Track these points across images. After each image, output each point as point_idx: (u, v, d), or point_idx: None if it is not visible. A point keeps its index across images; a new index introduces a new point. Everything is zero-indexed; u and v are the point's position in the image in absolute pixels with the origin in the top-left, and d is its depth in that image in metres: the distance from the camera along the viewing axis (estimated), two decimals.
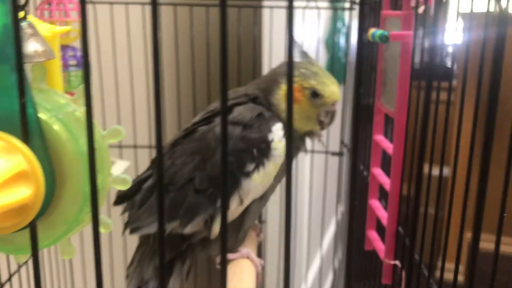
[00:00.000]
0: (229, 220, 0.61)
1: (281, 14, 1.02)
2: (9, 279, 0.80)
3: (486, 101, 0.41)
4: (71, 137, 0.27)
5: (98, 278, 0.25)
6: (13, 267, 0.81)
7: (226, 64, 0.23)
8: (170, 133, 1.09)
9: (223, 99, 0.25)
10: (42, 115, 0.27)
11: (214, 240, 0.61)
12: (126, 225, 0.63)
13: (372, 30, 0.62)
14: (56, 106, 0.28)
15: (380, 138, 0.66)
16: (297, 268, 1.21)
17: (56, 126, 0.27)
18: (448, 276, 0.49)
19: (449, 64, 1.04)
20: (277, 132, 0.59)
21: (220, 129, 0.57)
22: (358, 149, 0.98)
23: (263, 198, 0.63)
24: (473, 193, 0.43)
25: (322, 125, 0.63)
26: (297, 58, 0.64)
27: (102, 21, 0.93)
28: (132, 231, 0.62)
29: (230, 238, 0.62)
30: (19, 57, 0.24)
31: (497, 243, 0.40)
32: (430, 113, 0.50)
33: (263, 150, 0.58)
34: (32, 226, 0.26)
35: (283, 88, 0.61)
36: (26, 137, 0.25)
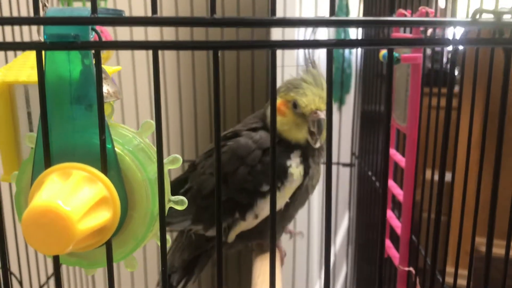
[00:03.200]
0: (245, 229, 0.68)
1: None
2: None
3: (484, 107, 0.44)
4: (140, 166, 0.32)
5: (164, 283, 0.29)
6: (42, 279, 0.85)
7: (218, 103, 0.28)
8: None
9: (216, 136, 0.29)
10: (116, 148, 0.31)
11: (232, 243, 0.69)
12: None
13: (383, 52, 0.66)
14: (126, 140, 0.33)
15: (392, 152, 0.70)
16: (309, 271, 1.25)
17: (128, 158, 0.32)
18: (460, 282, 0.52)
19: (452, 70, 1.08)
20: (294, 159, 0.65)
21: (242, 143, 0.64)
22: (368, 158, 1.03)
23: (285, 217, 0.69)
24: (478, 198, 0.46)
25: (312, 135, 0.66)
26: (305, 66, 0.68)
27: None
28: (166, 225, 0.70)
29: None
30: (101, 99, 0.28)
31: (507, 249, 0.43)
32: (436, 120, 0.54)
33: (280, 175, 0.64)
34: (108, 244, 0.30)
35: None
36: (105, 169, 0.29)
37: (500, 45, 0.28)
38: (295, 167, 0.65)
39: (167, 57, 1.10)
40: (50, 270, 0.88)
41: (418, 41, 0.30)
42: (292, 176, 0.65)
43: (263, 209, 0.66)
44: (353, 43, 0.27)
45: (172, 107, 1.15)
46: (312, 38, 0.69)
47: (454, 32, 0.32)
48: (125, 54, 0.98)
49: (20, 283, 0.80)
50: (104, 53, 0.71)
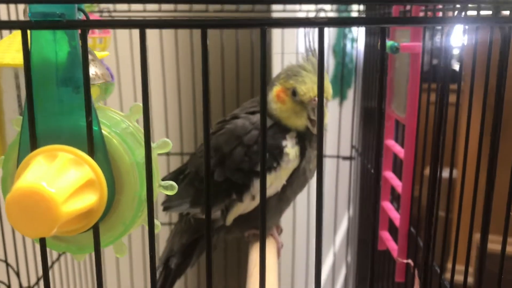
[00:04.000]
0: (243, 212, 0.68)
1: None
2: (37, 283, 0.84)
3: (486, 102, 0.44)
4: (128, 149, 0.31)
5: (152, 274, 0.28)
6: (36, 275, 0.85)
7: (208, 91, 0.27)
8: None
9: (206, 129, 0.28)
10: (104, 131, 0.31)
11: (231, 227, 0.69)
12: (162, 203, 0.74)
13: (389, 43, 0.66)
14: (113, 123, 0.32)
15: (391, 143, 0.70)
16: (310, 266, 1.24)
17: (115, 140, 0.31)
18: (458, 277, 0.52)
19: (456, 66, 1.07)
20: (290, 140, 0.65)
21: (239, 124, 0.65)
22: (369, 153, 1.02)
23: (283, 200, 0.68)
24: (482, 194, 0.46)
25: (312, 122, 0.66)
26: (305, 53, 0.67)
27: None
28: (164, 209, 0.72)
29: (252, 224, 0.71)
30: (87, 80, 0.28)
31: (504, 244, 0.42)
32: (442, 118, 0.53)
33: (276, 155, 0.64)
34: (95, 228, 0.30)
35: (274, 90, 0.66)
36: (91, 151, 0.29)
37: (498, 24, 0.27)
38: (290, 147, 0.65)
39: (166, 47, 1.09)
40: (49, 262, 0.87)
41: (415, 19, 0.30)
42: (288, 156, 0.65)
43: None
44: (346, 22, 0.26)
45: (171, 100, 1.15)
46: (307, 47, 0.68)
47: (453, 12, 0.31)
48: (123, 40, 0.97)
49: (17, 274, 0.80)
50: (101, 43, 0.70)
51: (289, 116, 0.66)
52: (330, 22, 0.27)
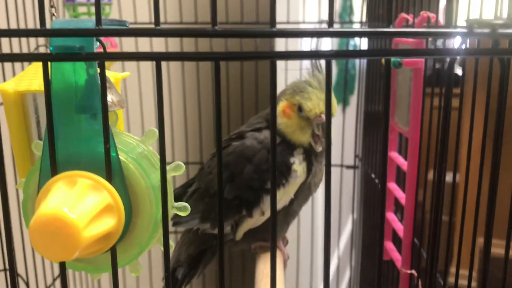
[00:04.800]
0: (252, 227, 0.70)
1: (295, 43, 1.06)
2: None
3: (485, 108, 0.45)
4: (144, 174, 0.33)
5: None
6: (48, 281, 0.86)
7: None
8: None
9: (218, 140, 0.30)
10: (121, 156, 0.32)
11: (239, 240, 0.71)
12: (172, 219, 0.74)
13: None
14: (130, 148, 0.33)
15: (394, 155, 0.71)
16: (314, 276, 1.25)
17: (132, 165, 0.32)
18: (462, 282, 0.53)
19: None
20: (297, 156, 0.67)
21: (248, 144, 0.66)
22: (372, 161, 1.03)
23: (290, 213, 0.69)
24: (485, 198, 0.47)
25: (316, 138, 0.67)
26: (310, 69, 0.69)
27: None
28: (174, 224, 0.74)
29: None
30: (105, 108, 0.29)
31: (507, 248, 0.43)
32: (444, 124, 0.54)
33: (284, 172, 0.66)
34: (112, 250, 0.31)
35: (280, 105, 0.68)
36: (109, 177, 0.30)
37: (497, 55, 0.28)
38: (298, 164, 0.67)
39: (172, 67, 1.10)
40: (56, 271, 0.89)
41: (418, 51, 0.31)
42: (296, 172, 0.66)
43: (270, 206, 0.67)
44: (353, 54, 0.28)
45: (177, 111, 1.16)
46: (316, 44, 0.70)
47: (453, 42, 0.32)
48: (130, 63, 0.99)
49: (27, 284, 0.81)
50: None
51: (294, 131, 0.67)
52: (337, 54, 0.28)
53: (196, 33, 0.29)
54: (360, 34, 0.29)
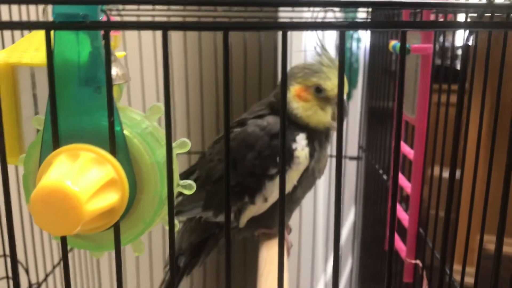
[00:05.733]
0: (255, 214, 0.69)
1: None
2: (45, 280, 0.85)
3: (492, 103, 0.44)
4: (149, 149, 0.32)
5: (172, 272, 0.29)
6: (44, 272, 0.86)
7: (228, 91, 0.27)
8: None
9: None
10: (125, 131, 0.31)
11: (243, 228, 0.70)
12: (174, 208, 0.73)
13: (393, 42, 0.66)
14: (134, 123, 0.32)
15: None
16: (315, 264, 1.25)
17: (136, 140, 0.31)
18: (468, 279, 0.52)
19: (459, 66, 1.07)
20: (300, 142, 0.66)
21: (249, 131, 0.65)
22: (376, 152, 1.02)
23: (293, 200, 0.68)
24: (493, 195, 0.46)
25: (335, 118, 0.67)
26: (316, 50, 0.68)
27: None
28: (176, 213, 0.72)
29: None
30: (110, 81, 0.28)
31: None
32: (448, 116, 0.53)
33: (287, 158, 0.64)
34: (116, 226, 0.30)
35: (292, 90, 0.67)
36: (113, 150, 0.29)
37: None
38: (300, 149, 0.66)
39: (174, 47, 1.09)
40: (56, 259, 0.88)
41: (431, 24, 0.30)
42: (298, 158, 0.66)
43: (272, 192, 0.67)
44: (365, 25, 0.27)
45: (179, 99, 1.15)
46: (319, 45, 0.69)
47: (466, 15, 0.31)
48: (131, 40, 0.98)
49: (27, 271, 0.80)
50: (112, 42, 0.71)
51: (314, 113, 0.66)
52: (350, 25, 0.27)
53: (200, 1, 0.28)
54: (369, 4, 0.28)
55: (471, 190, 0.52)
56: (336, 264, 0.30)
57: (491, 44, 0.44)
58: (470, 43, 0.37)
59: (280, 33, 0.27)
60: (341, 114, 0.29)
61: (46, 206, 0.26)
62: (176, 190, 0.33)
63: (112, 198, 0.28)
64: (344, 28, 0.27)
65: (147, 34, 1.01)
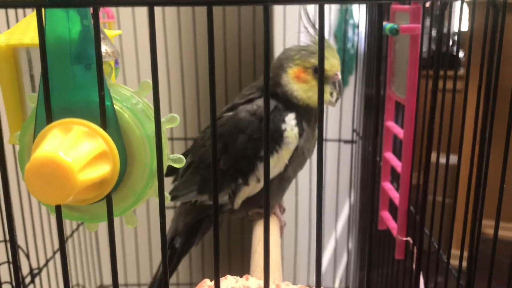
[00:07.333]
0: (250, 195, 0.71)
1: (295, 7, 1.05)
2: (46, 265, 0.86)
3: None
4: (138, 123, 0.33)
5: (163, 246, 0.30)
6: (45, 257, 0.87)
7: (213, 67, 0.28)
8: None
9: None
10: (115, 105, 0.32)
11: (237, 209, 0.72)
12: (170, 193, 0.76)
13: (389, 25, 0.67)
14: (124, 98, 0.34)
15: (391, 124, 0.71)
16: (312, 247, 1.26)
17: (126, 114, 0.33)
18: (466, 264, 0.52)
19: (455, 52, 1.08)
20: (289, 122, 0.67)
21: (240, 116, 0.67)
22: (370, 136, 1.03)
23: (285, 179, 0.70)
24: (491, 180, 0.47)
25: (332, 96, 0.70)
26: (310, 31, 0.69)
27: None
28: (172, 198, 0.75)
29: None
30: (99, 56, 0.29)
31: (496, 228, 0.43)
32: (438, 100, 0.54)
33: (277, 139, 0.66)
34: (108, 198, 0.31)
35: (290, 72, 0.68)
36: (104, 124, 0.30)
37: None
38: (290, 130, 0.68)
39: (169, 32, 1.10)
40: (56, 245, 0.89)
41: None
42: (288, 138, 0.68)
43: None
44: None
45: (174, 85, 1.16)
46: (312, 26, 0.69)
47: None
48: (126, 20, 0.98)
49: (27, 256, 0.82)
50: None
51: (315, 94, 0.68)
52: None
53: None
54: None
55: (469, 175, 0.52)
56: (318, 246, 0.32)
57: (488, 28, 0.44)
58: None
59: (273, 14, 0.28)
60: (321, 90, 0.30)
61: (40, 176, 0.27)
62: (166, 163, 0.34)
63: (104, 170, 0.30)
64: (324, 1, 0.28)
65: (141, 15, 1.02)
